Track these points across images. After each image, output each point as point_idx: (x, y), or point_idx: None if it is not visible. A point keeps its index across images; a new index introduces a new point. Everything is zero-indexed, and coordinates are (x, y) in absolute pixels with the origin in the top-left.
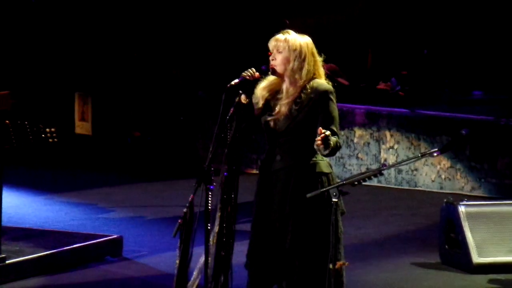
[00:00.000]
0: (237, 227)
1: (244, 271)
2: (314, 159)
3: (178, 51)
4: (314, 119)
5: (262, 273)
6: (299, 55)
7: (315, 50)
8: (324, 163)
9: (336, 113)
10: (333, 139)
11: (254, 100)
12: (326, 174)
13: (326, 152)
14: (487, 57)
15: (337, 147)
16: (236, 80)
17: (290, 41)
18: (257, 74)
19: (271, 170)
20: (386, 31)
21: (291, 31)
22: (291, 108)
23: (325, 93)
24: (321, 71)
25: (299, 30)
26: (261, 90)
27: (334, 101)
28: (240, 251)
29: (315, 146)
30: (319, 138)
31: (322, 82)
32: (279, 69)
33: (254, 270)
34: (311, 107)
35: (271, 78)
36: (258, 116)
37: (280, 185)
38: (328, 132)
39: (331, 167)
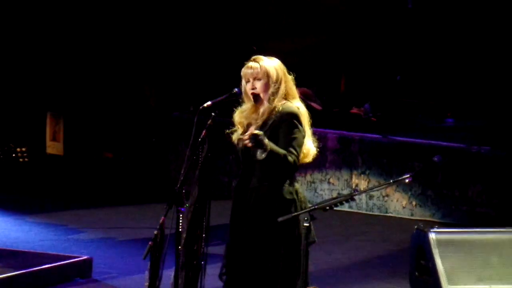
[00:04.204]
0: (209, 250)
1: None
2: (279, 182)
3: (150, 72)
4: (276, 141)
5: None
6: (275, 80)
7: (285, 70)
8: (287, 188)
9: (296, 135)
10: (279, 150)
11: (233, 127)
12: (287, 200)
13: (263, 156)
14: (459, 84)
15: (286, 162)
16: (209, 103)
17: (266, 67)
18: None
19: (247, 188)
20: (360, 57)
21: (262, 57)
22: (260, 131)
23: (286, 115)
24: (294, 90)
25: (272, 54)
26: (239, 116)
27: (297, 123)
28: (211, 275)
29: (243, 145)
30: (245, 136)
31: (289, 105)
32: (262, 96)
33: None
34: (272, 130)
35: (247, 103)
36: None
37: (250, 205)
38: (256, 131)
39: (296, 193)
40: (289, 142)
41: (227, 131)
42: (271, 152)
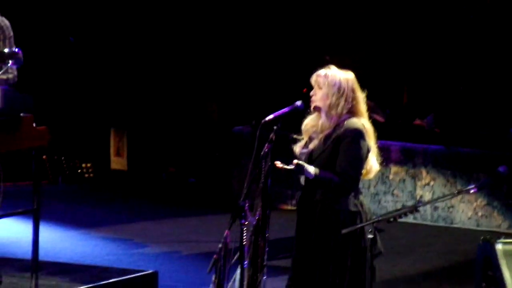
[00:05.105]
0: (270, 263)
1: None
2: (341, 196)
3: (213, 87)
4: (336, 156)
5: None
6: (338, 91)
7: (356, 86)
8: (352, 200)
9: (353, 153)
10: (327, 178)
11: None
12: (352, 212)
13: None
14: None
15: (338, 187)
16: (271, 116)
17: (330, 76)
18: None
19: (312, 201)
20: (422, 68)
21: (332, 67)
22: (322, 144)
23: (350, 132)
24: (362, 107)
25: (338, 66)
26: (305, 126)
27: (359, 141)
28: None
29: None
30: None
31: (355, 121)
32: (319, 104)
33: None
34: (335, 145)
35: (314, 114)
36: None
37: (316, 217)
38: (298, 163)
39: (361, 205)
40: (347, 161)
41: (294, 136)
42: (319, 180)
